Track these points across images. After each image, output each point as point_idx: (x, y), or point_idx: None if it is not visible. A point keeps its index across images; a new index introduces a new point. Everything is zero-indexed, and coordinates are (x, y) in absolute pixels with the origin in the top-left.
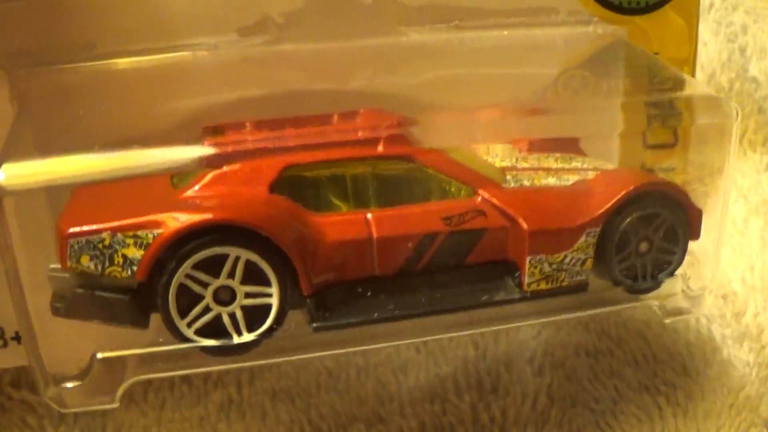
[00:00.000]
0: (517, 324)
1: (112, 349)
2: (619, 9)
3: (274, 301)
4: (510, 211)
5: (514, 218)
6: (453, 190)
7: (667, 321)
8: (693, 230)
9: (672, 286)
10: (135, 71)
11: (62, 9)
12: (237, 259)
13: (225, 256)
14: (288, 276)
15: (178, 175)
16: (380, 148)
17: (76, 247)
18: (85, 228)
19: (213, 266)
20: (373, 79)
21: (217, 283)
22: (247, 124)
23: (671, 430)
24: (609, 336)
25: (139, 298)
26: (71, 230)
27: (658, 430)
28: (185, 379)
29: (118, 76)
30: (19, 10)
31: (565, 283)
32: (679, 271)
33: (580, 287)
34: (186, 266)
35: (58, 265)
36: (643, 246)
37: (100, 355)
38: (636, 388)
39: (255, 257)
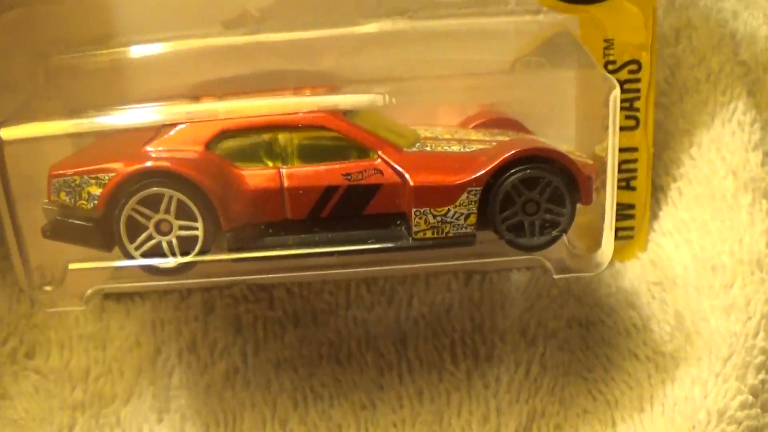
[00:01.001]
0: (408, 266)
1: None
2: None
3: (200, 234)
4: (401, 170)
5: (404, 175)
6: (357, 153)
7: (556, 276)
8: (583, 195)
9: (560, 246)
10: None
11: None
12: (171, 198)
13: (162, 195)
14: (210, 214)
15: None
16: (298, 117)
17: (56, 185)
18: (62, 171)
19: (155, 203)
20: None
21: (157, 216)
22: (212, 96)
23: (660, 397)
24: (600, 307)
25: (101, 226)
26: (54, 172)
27: (647, 397)
28: (192, 348)
29: (128, 62)
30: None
31: (450, 235)
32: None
33: (466, 240)
34: (132, 201)
35: (47, 201)
36: (529, 207)
37: (70, 266)
38: (627, 357)
39: (184, 197)
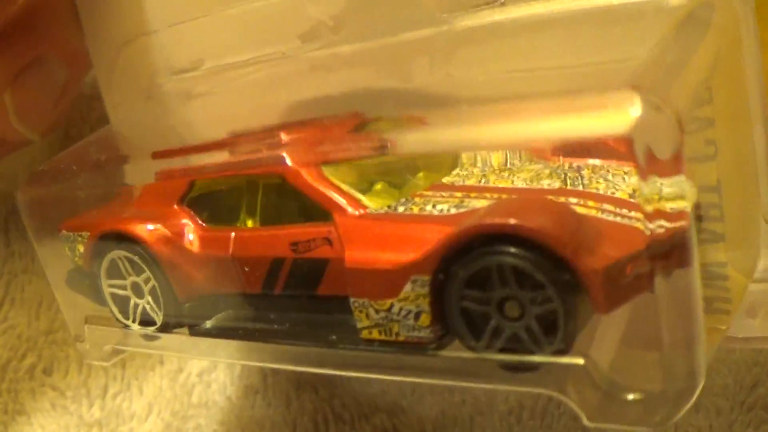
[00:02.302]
0: (357, 374)
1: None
2: None
3: (147, 301)
4: (344, 242)
5: (342, 251)
6: (315, 213)
7: (591, 425)
8: (592, 298)
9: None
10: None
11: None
12: (125, 258)
13: (124, 258)
14: (164, 280)
15: None
16: (258, 167)
17: (63, 239)
18: (65, 229)
19: (124, 263)
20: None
21: (131, 279)
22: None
23: (685, 426)
24: None
25: (90, 281)
26: (61, 228)
27: (671, 425)
28: (212, 368)
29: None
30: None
31: (401, 338)
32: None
33: (424, 347)
34: (106, 261)
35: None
36: (510, 308)
37: (86, 326)
38: None
39: (134, 258)
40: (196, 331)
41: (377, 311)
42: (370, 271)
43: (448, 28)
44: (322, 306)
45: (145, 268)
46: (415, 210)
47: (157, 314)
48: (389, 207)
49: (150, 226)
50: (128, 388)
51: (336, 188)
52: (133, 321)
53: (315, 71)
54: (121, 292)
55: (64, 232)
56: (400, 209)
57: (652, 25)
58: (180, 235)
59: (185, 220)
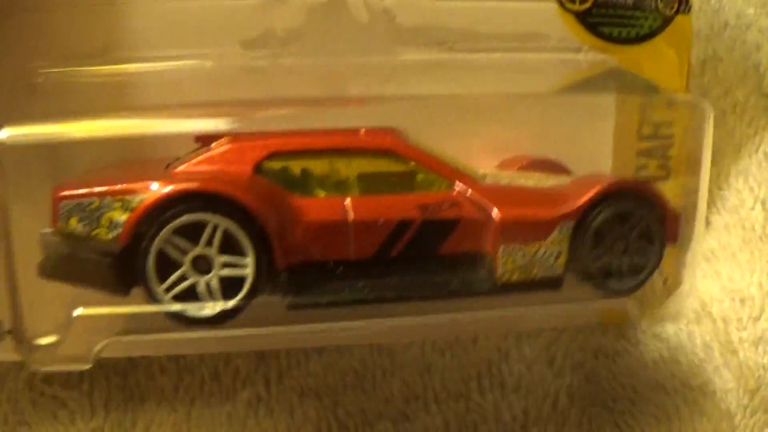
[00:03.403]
0: (487, 314)
1: (88, 307)
2: (610, 39)
3: (249, 272)
4: (484, 203)
5: (488, 209)
6: (431, 182)
7: (644, 325)
8: (670, 232)
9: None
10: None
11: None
12: (215, 227)
13: (204, 225)
14: (263, 248)
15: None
16: (361, 139)
17: (66, 209)
18: (78, 191)
19: (194, 234)
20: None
21: (195, 250)
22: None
23: (688, 430)
24: (627, 338)
25: (120, 263)
26: (63, 193)
27: (675, 430)
28: (214, 376)
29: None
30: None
31: (538, 277)
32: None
33: (553, 283)
34: (166, 231)
35: (49, 230)
36: (618, 245)
37: (76, 313)
38: (654, 388)
39: (233, 226)
40: (297, 303)
41: (524, 255)
42: (525, 222)
43: (394, 59)
44: (444, 264)
45: (242, 234)
46: (514, 183)
47: (216, 297)
48: (488, 179)
49: (248, 188)
50: (131, 398)
51: (448, 162)
52: (212, 298)
53: (248, 75)
54: (186, 268)
55: (73, 198)
56: (502, 182)
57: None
58: (278, 198)
59: (266, 185)
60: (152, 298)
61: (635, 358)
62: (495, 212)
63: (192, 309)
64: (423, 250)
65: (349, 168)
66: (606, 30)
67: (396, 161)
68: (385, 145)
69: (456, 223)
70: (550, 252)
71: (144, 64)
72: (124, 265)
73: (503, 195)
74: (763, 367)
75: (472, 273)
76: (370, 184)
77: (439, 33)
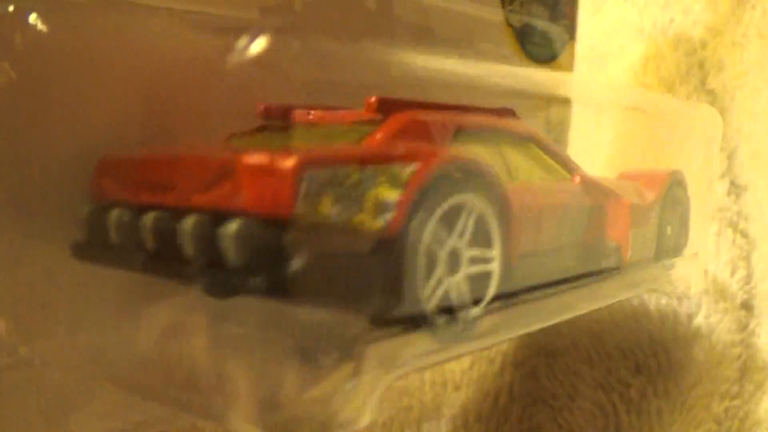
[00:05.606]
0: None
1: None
2: None
3: (495, 267)
4: (611, 191)
5: (617, 194)
6: (555, 171)
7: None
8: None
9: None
10: None
11: None
12: (470, 213)
13: (460, 211)
14: (508, 238)
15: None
16: (516, 124)
17: (313, 182)
18: (327, 158)
19: (452, 221)
20: None
21: (449, 243)
22: None
23: (625, 427)
24: (566, 336)
25: (391, 262)
26: (306, 158)
27: (612, 427)
28: None
29: None
30: None
31: (644, 257)
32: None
33: (650, 262)
34: (436, 216)
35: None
36: (674, 225)
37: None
38: (592, 386)
39: (489, 211)
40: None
41: (641, 237)
42: (643, 208)
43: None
44: (586, 248)
45: (493, 224)
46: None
47: (464, 299)
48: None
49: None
50: None
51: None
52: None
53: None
54: (442, 266)
55: (323, 165)
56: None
57: None
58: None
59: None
60: (415, 306)
61: (573, 355)
62: (624, 198)
63: (463, 316)
64: (572, 237)
65: (510, 154)
66: None
67: (532, 148)
68: (530, 134)
69: (595, 209)
70: (648, 233)
71: None
72: (389, 266)
73: (614, 186)
74: (699, 364)
75: (610, 255)
76: (519, 170)
77: None
